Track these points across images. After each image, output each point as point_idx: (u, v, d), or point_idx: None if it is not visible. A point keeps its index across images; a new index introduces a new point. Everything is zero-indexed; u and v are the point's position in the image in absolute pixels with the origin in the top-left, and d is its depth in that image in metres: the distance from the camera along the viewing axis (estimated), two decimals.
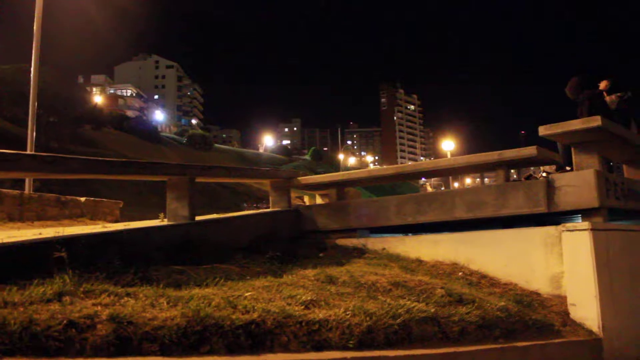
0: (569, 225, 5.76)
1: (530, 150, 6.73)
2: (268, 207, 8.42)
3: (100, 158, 5.32)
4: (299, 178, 8.32)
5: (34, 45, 15.79)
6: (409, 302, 4.27)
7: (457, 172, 10.81)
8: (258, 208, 23.22)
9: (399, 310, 3.97)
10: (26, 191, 11.94)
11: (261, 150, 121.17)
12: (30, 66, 16.19)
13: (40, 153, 4.34)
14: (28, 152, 14.40)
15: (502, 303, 4.80)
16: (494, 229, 6.89)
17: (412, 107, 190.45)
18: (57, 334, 2.35)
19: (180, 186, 5.63)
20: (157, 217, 6.48)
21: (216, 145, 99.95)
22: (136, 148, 59.84)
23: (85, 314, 2.58)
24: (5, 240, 4.06)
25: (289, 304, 3.65)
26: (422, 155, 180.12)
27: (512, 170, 8.13)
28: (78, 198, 11.27)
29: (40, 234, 4.64)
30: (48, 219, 9.90)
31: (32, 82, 15.55)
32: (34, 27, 16.01)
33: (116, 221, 10.89)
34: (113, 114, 71.59)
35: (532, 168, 9.48)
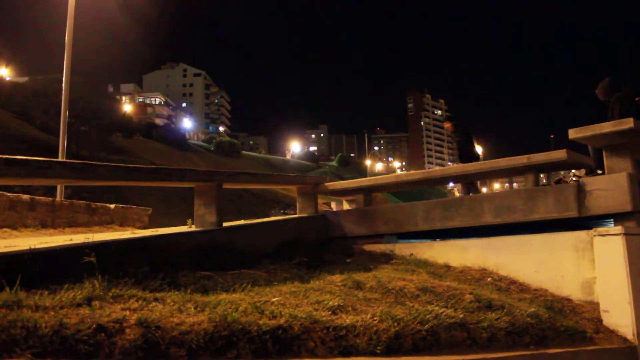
0: (601, 229, 5.65)
1: (559, 154, 6.63)
2: (295, 213, 8.43)
3: (129, 165, 5.38)
4: (326, 184, 8.32)
5: (65, 56, 16.11)
6: (437, 308, 4.22)
7: (485, 176, 10.72)
8: (285, 214, 23.24)
9: (427, 316, 3.93)
10: (58, 198, 12.16)
11: (288, 157, 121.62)
12: (62, 77, 16.51)
13: (70, 160, 4.41)
14: (59, 159, 14.67)
15: (533, 309, 4.73)
16: (524, 234, 6.79)
17: (440, 111, 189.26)
18: (87, 338, 2.37)
19: (207, 192, 5.67)
20: (184, 223, 6.53)
21: (244, 152, 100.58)
22: (165, 155, 60.53)
23: (114, 319, 2.60)
24: (38, 246, 4.13)
25: (316, 310, 3.64)
26: (450, 160, 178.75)
27: (541, 175, 8.01)
28: (108, 205, 11.44)
29: (70, 239, 4.71)
30: (78, 225, 10.07)
31: (63, 92, 15.84)
32: (66, 39, 16.33)
33: (145, 227, 11.02)
34: (142, 122, 72.56)
35: (562, 172, 9.35)
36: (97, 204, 11.16)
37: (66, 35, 16.52)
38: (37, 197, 9.64)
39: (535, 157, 6.90)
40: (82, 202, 10.84)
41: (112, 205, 11.43)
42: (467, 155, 10.92)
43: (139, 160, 48.08)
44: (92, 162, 4.45)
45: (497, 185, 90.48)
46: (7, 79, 60.95)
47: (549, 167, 7.37)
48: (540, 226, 6.89)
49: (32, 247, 4.07)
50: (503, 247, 6.56)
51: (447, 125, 11.68)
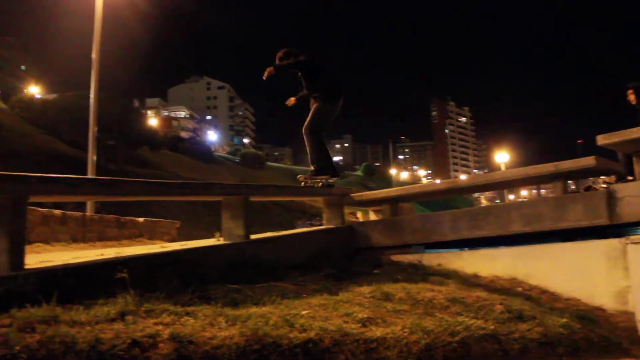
0: (634, 237, 5.56)
1: (588, 161, 6.56)
2: (321, 224, 8.44)
3: (158, 180, 5.48)
4: (352, 195, 8.33)
5: (92, 73, 16.43)
6: (467, 319, 4.20)
7: (512, 185, 10.64)
8: (312, 224, 23.26)
9: (458, 328, 3.91)
10: (88, 213, 12.35)
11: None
12: (90, 93, 16.83)
13: (100, 177, 4.50)
14: (89, 175, 14.94)
15: (565, 319, 4.66)
16: (553, 242, 6.71)
17: (464, 119, 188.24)
18: (122, 353, 2.41)
19: (235, 205, 5.71)
20: (211, 236, 6.58)
21: (269, 163, 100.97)
22: (191, 168, 61.05)
23: (148, 333, 2.64)
24: (70, 261, 4.20)
25: (346, 322, 3.64)
26: (475, 168, 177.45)
27: (569, 181, 7.92)
28: (136, 219, 11.58)
29: (102, 254, 4.79)
30: (108, 239, 10.20)
31: (91, 109, 16.15)
32: (93, 56, 16.66)
33: (173, 240, 11.11)
34: (168, 135, 73.32)
35: (591, 179, 9.23)
36: (126, 218, 11.29)
37: (93, 52, 16.85)
38: (68, 212, 9.80)
39: (563, 165, 6.83)
40: (111, 216, 10.99)
41: (141, 219, 11.56)
42: None
43: (166, 173, 48.62)
44: (122, 179, 4.54)
45: (524, 192, 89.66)
46: (37, 96, 62.28)
47: (578, 174, 7.28)
48: (569, 234, 6.81)
49: (66, 262, 4.14)
50: (533, 256, 6.50)
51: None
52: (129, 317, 2.94)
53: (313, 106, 7.59)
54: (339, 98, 7.69)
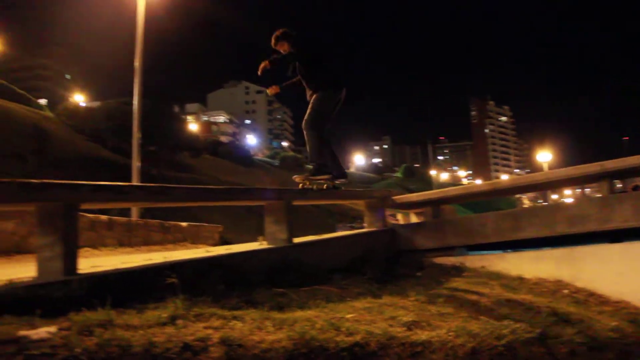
0: None
1: (635, 160, 6.42)
2: (362, 226, 8.45)
3: (203, 186, 5.59)
4: (394, 197, 8.32)
5: (135, 80, 16.78)
6: (513, 322, 4.15)
7: (556, 185, 10.46)
8: (353, 227, 23.25)
9: (503, 331, 3.88)
10: (133, 218, 12.63)
11: (352, 170, 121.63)
12: (132, 99, 17.20)
13: (149, 184, 4.63)
14: (134, 181, 15.27)
15: (615, 323, 4.58)
16: (599, 244, 6.59)
17: (504, 118, 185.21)
18: (175, 356, 2.48)
19: (277, 210, 5.78)
20: (253, 240, 6.67)
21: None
22: (230, 172, 61.66)
23: (199, 337, 2.71)
24: (120, 266, 4.32)
25: (391, 326, 3.66)
26: (516, 168, 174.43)
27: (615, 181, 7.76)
28: (180, 223, 11.79)
29: (150, 259, 4.90)
30: (153, 243, 10.41)
31: (135, 115, 16.49)
32: (135, 64, 17.02)
33: (216, 245, 11.27)
34: (208, 140, 74.23)
35: (639, 177, 9.03)
36: (170, 222, 11.51)
37: (136, 60, 17.21)
38: (114, 218, 10.05)
39: (608, 164, 6.70)
40: (155, 221, 11.22)
41: (185, 224, 11.77)
42: None
43: (206, 177, 49.22)
44: (169, 185, 4.64)
45: (568, 192, 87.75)
46: (82, 104, 63.88)
47: (625, 174, 7.14)
48: (616, 235, 6.67)
49: (116, 267, 4.27)
50: (579, 257, 6.39)
51: None
52: (180, 321, 3.02)
53: (312, 98, 6.89)
54: (341, 88, 6.95)
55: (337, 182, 7.02)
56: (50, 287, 3.41)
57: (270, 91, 7.35)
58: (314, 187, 6.78)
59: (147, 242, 10.24)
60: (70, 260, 3.81)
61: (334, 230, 19.25)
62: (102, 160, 42.24)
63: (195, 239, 11.58)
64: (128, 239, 9.96)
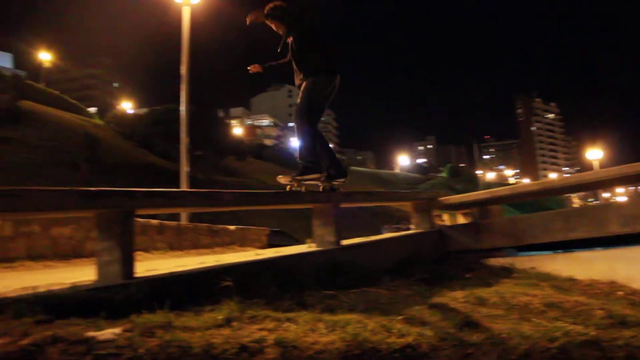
0: None
1: None
2: (407, 228, 8.45)
3: (252, 190, 5.70)
4: (441, 198, 8.29)
5: (182, 87, 17.14)
6: (566, 325, 4.10)
7: (607, 184, 10.23)
8: (398, 229, 23.19)
9: (556, 333, 3.84)
10: (182, 222, 12.91)
11: (397, 170, 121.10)
12: (178, 105, 17.60)
13: (200, 190, 4.76)
14: (183, 186, 15.58)
15: None
16: None
17: (551, 115, 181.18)
18: (232, 357, 2.56)
19: (325, 212, 5.85)
20: (299, 242, 6.78)
21: (352, 167, 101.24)
22: (276, 175, 62.06)
23: (254, 339, 2.79)
24: (175, 270, 4.45)
25: (442, 327, 3.67)
26: (565, 166, 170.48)
27: None
28: (227, 227, 12.00)
29: (202, 262, 5.03)
30: (202, 247, 10.64)
31: (182, 121, 16.84)
32: (182, 71, 17.39)
33: (263, 247, 11.43)
34: (252, 143, 75.05)
35: None
36: (218, 226, 11.73)
37: (182, 68, 17.58)
38: (164, 222, 10.31)
39: None
40: (204, 224, 11.45)
41: (233, 227, 11.98)
42: None
43: (252, 180, 49.81)
44: (220, 190, 4.78)
45: (620, 190, 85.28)
46: (130, 111, 65.49)
47: None
48: None
49: (171, 270, 4.40)
50: (633, 258, 6.24)
51: None
52: (235, 323, 3.10)
53: (304, 83, 6.14)
54: (336, 73, 6.18)
55: (335, 182, 6.26)
56: (110, 291, 3.56)
57: (251, 69, 6.46)
58: (303, 189, 6.13)
59: (196, 246, 10.47)
60: (127, 265, 3.95)
61: (379, 232, 19.25)
62: (151, 166, 43.19)
63: (242, 242, 11.77)
64: (178, 243, 10.20)
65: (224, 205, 5.32)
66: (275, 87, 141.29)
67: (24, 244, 7.86)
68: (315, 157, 6.08)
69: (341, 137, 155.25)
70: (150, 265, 5.37)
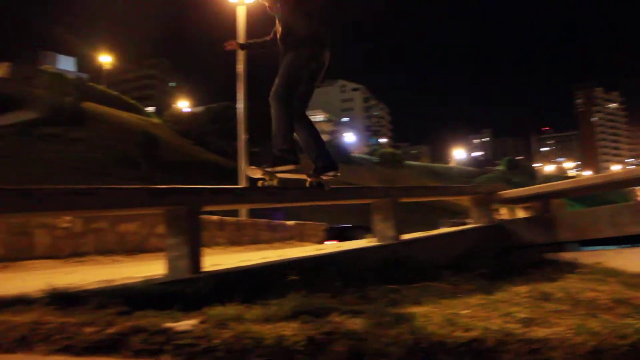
0: None
1: None
2: (464, 222, 8.37)
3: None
4: (500, 192, 8.19)
5: (238, 84, 17.41)
6: (636, 321, 3.99)
7: None
8: (455, 224, 22.95)
9: (627, 330, 3.74)
10: (242, 218, 13.16)
11: (452, 164, 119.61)
12: (234, 103, 17.90)
13: (265, 186, 4.87)
14: (241, 183, 15.85)
15: None
16: None
17: (614, 105, 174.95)
18: (303, 349, 2.63)
19: (384, 208, 5.89)
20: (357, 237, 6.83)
21: (406, 162, 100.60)
22: None
23: (323, 331, 2.84)
24: (239, 265, 4.59)
25: (507, 322, 3.64)
26: (629, 157, 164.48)
27: None
28: (285, 222, 12.17)
29: (266, 257, 5.15)
30: (261, 242, 10.83)
31: (240, 118, 17.14)
32: (237, 69, 17.66)
33: (321, 242, 11.54)
34: None
35: None
36: (276, 221, 11.92)
37: (238, 65, 17.86)
38: (225, 218, 10.55)
39: None
40: (262, 220, 11.66)
41: (291, 222, 12.14)
42: None
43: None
44: (283, 187, 4.88)
45: None
46: (187, 110, 66.92)
47: None
48: None
49: (236, 265, 4.53)
50: None
51: None
52: (302, 316, 3.17)
53: (284, 58, 5.28)
54: (323, 47, 5.31)
55: (324, 176, 5.45)
56: (179, 284, 3.70)
57: (227, 46, 5.81)
58: (275, 182, 5.13)
59: (255, 241, 10.67)
60: (195, 259, 4.09)
61: (435, 226, 19.11)
62: (207, 163, 44.09)
63: (300, 237, 11.93)
64: (237, 238, 10.42)
65: (287, 201, 5.43)
66: (328, 82, 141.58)
67: (93, 240, 8.21)
68: (292, 145, 5.18)
69: (395, 131, 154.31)
70: (213, 260, 5.52)
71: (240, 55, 17.59)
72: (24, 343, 2.39)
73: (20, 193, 3.59)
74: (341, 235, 13.23)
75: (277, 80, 5.24)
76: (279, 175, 5.12)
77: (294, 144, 5.22)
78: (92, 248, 8.28)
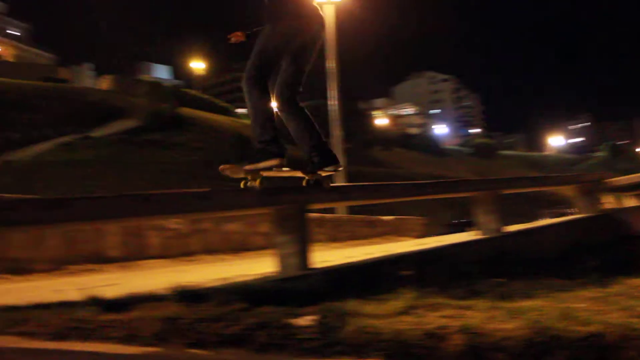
0: None
1: None
2: (566, 212, 8.09)
3: (413, 182, 5.82)
4: (608, 180, 7.85)
5: (330, 82, 17.62)
6: None
7: None
8: (555, 214, 22.15)
9: None
10: (340, 215, 13.34)
11: (548, 152, 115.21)
12: (320, 100, 18.16)
13: (368, 184, 4.95)
14: (343, 182, 16.06)
15: None
16: None
17: None
18: (420, 343, 2.68)
19: (487, 200, 5.82)
20: (448, 231, 6.76)
21: (500, 151, 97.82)
22: (422, 163, 61.78)
23: (438, 325, 2.87)
24: (346, 261, 4.70)
25: (627, 316, 3.52)
26: None
27: None
28: (382, 217, 12.22)
29: (369, 253, 5.23)
30: (359, 238, 10.94)
31: (332, 115, 17.31)
32: (330, 65, 17.88)
33: (420, 237, 11.48)
34: (396, 133, 75.08)
35: None
36: (373, 217, 11.99)
37: (328, 62, 18.07)
38: (324, 215, 10.74)
39: None
40: (359, 216, 11.77)
41: (389, 217, 12.18)
42: None
43: (400, 170, 49.89)
44: (386, 183, 4.98)
45: None
46: (275, 110, 68.40)
47: None
48: None
49: (343, 261, 4.64)
50: None
51: None
52: (415, 311, 3.22)
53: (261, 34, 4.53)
54: (307, 22, 4.49)
55: (322, 173, 4.61)
56: (292, 281, 3.85)
57: (232, 39, 4.89)
58: (257, 182, 4.31)
59: (354, 237, 10.80)
60: (305, 257, 4.23)
61: (534, 218, 18.51)
62: (299, 161, 44.73)
63: (398, 232, 11.93)
64: (336, 235, 10.59)
65: (390, 197, 5.47)
66: (416, 74, 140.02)
67: (200, 239, 8.63)
68: (273, 135, 4.40)
69: (488, 120, 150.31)
70: (318, 256, 5.67)
71: (332, 53, 17.79)
72: (161, 337, 2.57)
73: (140, 198, 3.84)
74: (463, 230, 13.05)
75: (249, 61, 4.46)
76: (267, 174, 4.37)
77: (276, 132, 4.42)
78: (199, 248, 8.70)
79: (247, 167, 4.33)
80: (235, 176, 4.46)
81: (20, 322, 2.73)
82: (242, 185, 4.40)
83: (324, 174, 4.57)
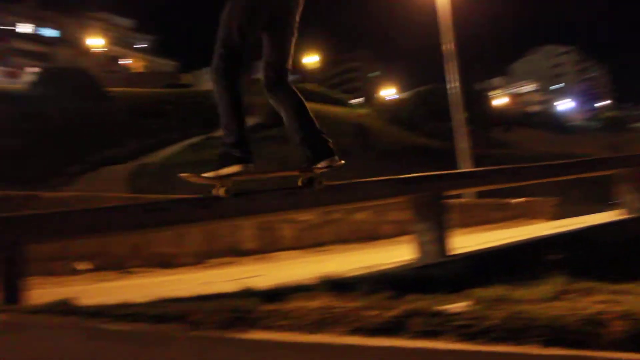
0: None
1: None
2: None
3: (548, 163, 5.61)
4: None
5: (447, 65, 17.33)
6: None
7: None
8: None
9: None
10: (467, 199, 13.13)
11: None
12: (437, 85, 17.90)
13: (505, 167, 4.86)
14: (462, 164, 15.77)
15: None
16: None
17: None
18: (578, 329, 2.59)
19: (635, 177, 5.50)
20: (572, 211, 6.42)
21: (633, 125, 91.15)
22: (546, 142, 58.94)
23: (595, 311, 2.77)
24: (484, 246, 4.64)
25: None
26: None
27: None
28: (511, 200, 11.87)
29: (510, 237, 5.12)
30: (489, 222, 10.71)
31: (452, 99, 17.01)
32: (445, 47, 17.59)
33: (552, 219, 11.05)
34: (516, 112, 72.35)
35: None
36: (502, 200, 11.68)
37: (445, 45, 17.78)
38: (451, 201, 10.61)
39: None
40: (489, 200, 11.51)
41: (518, 200, 11.81)
42: None
43: (523, 151, 48.05)
44: (522, 165, 4.88)
45: None
46: (393, 97, 68.11)
47: None
48: None
49: (481, 247, 4.58)
50: None
51: None
52: (566, 296, 3.12)
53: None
54: None
55: (316, 168, 3.87)
56: (432, 268, 3.87)
57: None
58: (223, 192, 3.73)
59: (483, 221, 10.58)
60: (443, 243, 4.23)
61: None
62: (419, 147, 44.34)
63: (529, 214, 11.55)
64: (465, 220, 10.43)
65: (527, 180, 5.32)
66: (532, 50, 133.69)
67: (331, 230, 8.84)
68: (239, 138, 3.68)
69: (617, 91, 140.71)
70: (454, 243, 5.64)
71: (449, 35, 17.49)
72: (318, 325, 2.67)
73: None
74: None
75: (215, 48, 3.75)
76: (262, 176, 3.96)
77: (242, 134, 3.69)
78: (329, 238, 8.92)
79: (207, 174, 3.75)
80: (195, 181, 3.87)
81: (188, 314, 2.93)
82: (213, 192, 3.79)
83: (318, 170, 3.87)
